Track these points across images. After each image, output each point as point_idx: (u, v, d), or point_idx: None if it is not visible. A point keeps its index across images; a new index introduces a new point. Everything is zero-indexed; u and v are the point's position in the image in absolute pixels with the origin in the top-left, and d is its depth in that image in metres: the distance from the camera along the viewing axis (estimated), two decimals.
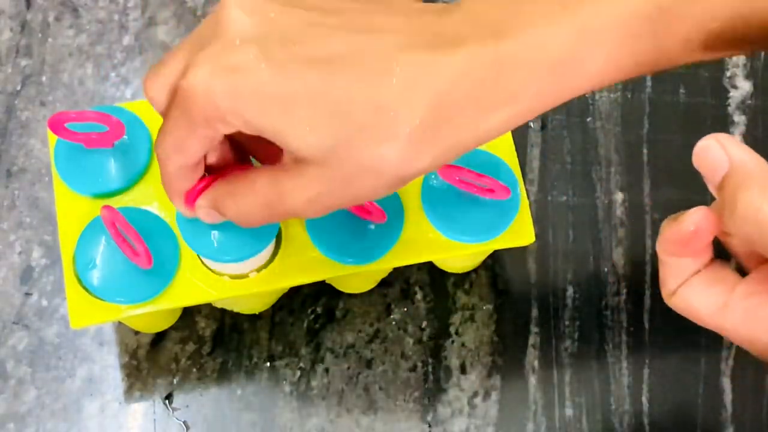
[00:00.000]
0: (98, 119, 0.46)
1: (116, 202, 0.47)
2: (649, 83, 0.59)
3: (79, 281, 0.46)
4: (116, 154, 0.48)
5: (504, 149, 0.49)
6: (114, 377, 0.52)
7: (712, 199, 0.57)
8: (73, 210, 0.47)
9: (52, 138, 0.48)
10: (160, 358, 0.53)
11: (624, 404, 0.53)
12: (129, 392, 0.52)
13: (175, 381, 0.52)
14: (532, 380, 0.53)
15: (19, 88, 0.58)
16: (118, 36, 0.59)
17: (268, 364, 0.53)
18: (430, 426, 0.52)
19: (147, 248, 0.44)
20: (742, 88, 0.59)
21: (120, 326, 0.53)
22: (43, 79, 0.58)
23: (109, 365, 0.52)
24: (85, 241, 0.46)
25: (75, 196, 0.48)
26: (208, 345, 0.53)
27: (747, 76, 0.59)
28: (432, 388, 0.53)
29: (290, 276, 0.47)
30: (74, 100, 0.58)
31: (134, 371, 0.52)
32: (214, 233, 0.46)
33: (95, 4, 0.60)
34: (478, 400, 0.52)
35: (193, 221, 0.45)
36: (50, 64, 0.58)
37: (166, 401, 0.52)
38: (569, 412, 0.52)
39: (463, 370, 0.53)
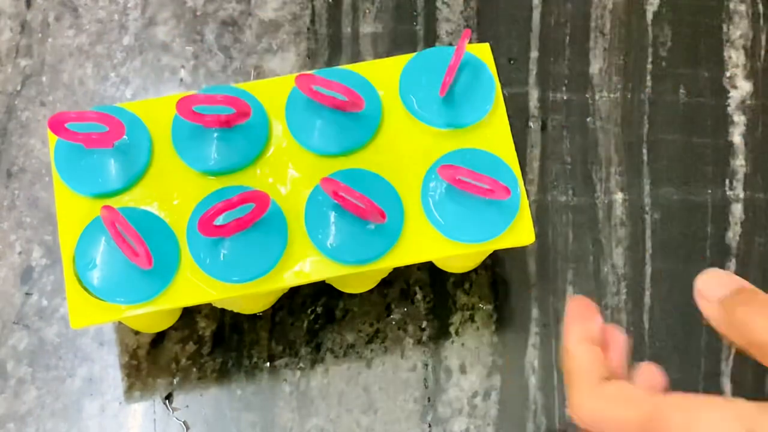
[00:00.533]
0: (98, 119, 0.46)
1: (116, 203, 0.47)
2: (649, 83, 0.59)
3: (79, 281, 0.46)
4: (116, 155, 0.48)
5: (504, 149, 0.49)
6: (114, 377, 0.52)
7: (712, 199, 0.58)
8: (73, 210, 0.47)
9: (52, 138, 0.48)
10: (160, 358, 0.53)
11: None
12: (129, 392, 0.52)
13: (175, 381, 0.52)
14: (532, 380, 0.53)
15: (19, 88, 0.58)
16: (118, 36, 0.59)
17: (268, 364, 0.53)
18: (430, 426, 0.52)
19: (147, 248, 0.44)
20: (742, 88, 0.59)
21: (120, 326, 0.53)
22: (43, 79, 0.58)
23: (109, 365, 0.52)
24: (85, 241, 0.46)
25: (75, 196, 0.48)
26: (208, 345, 0.53)
27: (747, 76, 0.59)
28: (432, 388, 0.53)
29: (290, 277, 0.47)
30: (74, 100, 0.58)
31: (134, 371, 0.52)
32: (223, 252, 0.46)
33: (95, 4, 0.60)
34: (478, 400, 0.52)
35: (201, 238, 0.46)
36: (50, 64, 0.58)
37: (166, 401, 0.52)
38: (569, 412, 0.52)
39: (463, 370, 0.53)
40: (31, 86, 0.58)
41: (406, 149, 0.49)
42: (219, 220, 0.46)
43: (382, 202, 0.47)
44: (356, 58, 0.59)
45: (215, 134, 0.48)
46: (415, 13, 0.60)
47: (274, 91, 0.50)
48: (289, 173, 0.49)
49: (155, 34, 0.59)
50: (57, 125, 0.46)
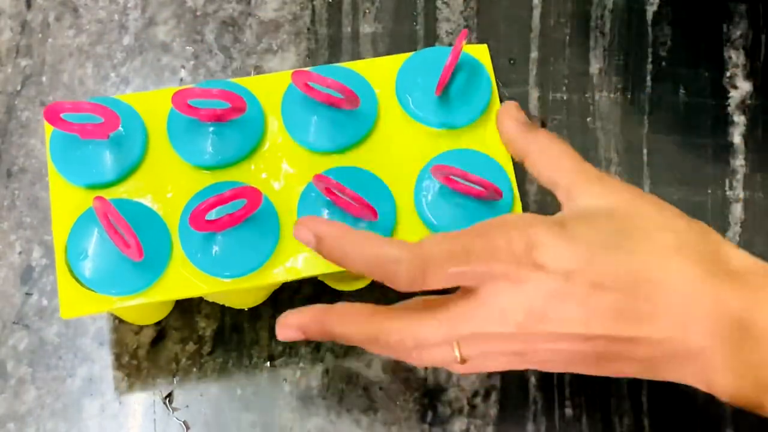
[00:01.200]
0: (93, 110, 0.46)
1: (110, 194, 0.48)
2: (649, 83, 0.59)
3: (71, 272, 0.46)
4: (111, 146, 0.48)
5: (498, 150, 0.49)
6: (114, 377, 0.52)
7: (713, 199, 0.58)
8: (67, 200, 0.48)
9: (48, 128, 0.48)
10: (160, 358, 0.53)
11: (624, 404, 0.53)
12: (129, 392, 0.52)
13: (175, 381, 0.52)
14: (532, 380, 0.53)
15: (19, 88, 0.58)
16: (118, 36, 0.59)
17: (268, 364, 0.53)
18: (430, 426, 0.52)
19: (138, 240, 0.45)
20: (742, 88, 0.59)
21: (120, 326, 0.53)
22: (43, 79, 0.58)
23: (109, 365, 0.52)
24: (77, 231, 0.47)
25: (69, 186, 0.48)
26: (208, 345, 0.53)
27: (747, 76, 0.59)
28: (432, 388, 0.53)
29: (281, 273, 0.47)
30: (74, 100, 0.58)
31: (134, 371, 0.52)
32: (215, 246, 0.46)
33: (95, 4, 0.60)
34: (478, 400, 0.52)
35: (193, 232, 0.46)
36: (50, 64, 0.58)
37: (166, 401, 0.52)
38: (569, 412, 0.52)
39: None
40: (31, 86, 0.58)
41: (401, 148, 0.49)
42: (211, 215, 0.46)
43: (375, 200, 0.47)
44: (356, 58, 0.59)
45: (211, 128, 0.49)
46: (415, 13, 0.60)
47: (270, 86, 0.50)
48: (283, 169, 0.49)
49: (155, 34, 0.59)
50: (53, 115, 0.46)
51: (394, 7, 0.60)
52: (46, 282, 0.54)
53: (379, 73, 0.51)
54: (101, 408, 0.52)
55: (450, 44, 0.59)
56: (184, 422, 0.52)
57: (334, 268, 0.47)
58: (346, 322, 0.44)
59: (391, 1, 0.60)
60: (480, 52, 0.51)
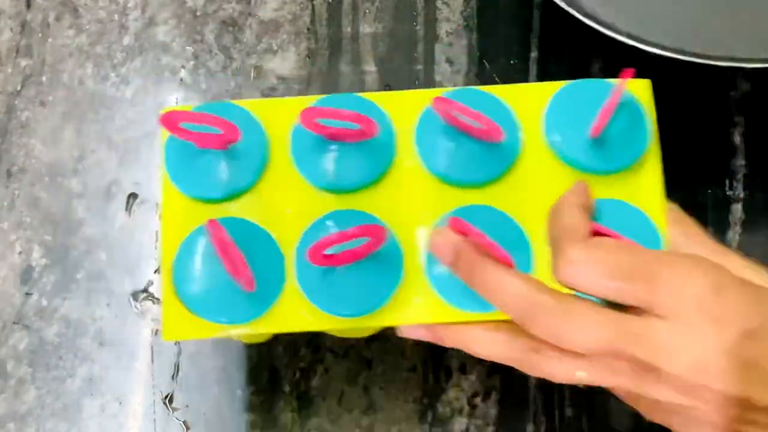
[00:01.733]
0: (212, 122, 0.43)
1: (224, 210, 0.44)
2: None
3: (176, 293, 0.43)
4: (229, 158, 0.44)
5: (651, 203, 0.46)
6: (114, 377, 0.52)
7: (712, 199, 0.58)
8: (178, 213, 0.44)
9: (164, 134, 0.45)
10: (160, 357, 0.53)
11: (624, 404, 0.53)
12: (129, 392, 0.52)
13: (175, 381, 0.52)
14: (532, 380, 0.53)
15: (19, 88, 0.58)
16: (118, 36, 0.59)
17: (269, 363, 0.53)
18: (430, 426, 0.52)
19: (250, 272, 0.41)
20: (742, 88, 0.59)
21: (120, 326, 0.53)
22: (43, 79, 0.58)
23: (109, 365, 0.52)
24: (186, 251, 0.43)
25: (182, 197, 0.44)
26: (209, 344, 0.53)
27: (747, 76, 0.59)
28: (432, 388, 0.53)
29: (402, 316, 0.43)
30: (74, 101, 0.58)
31: (134, 371, 0.52)
32: (331, 281, 0.43)
33: (95, 4, 0.60)
34: (478, 400, 0.52)
35: (310, 266, 0.42)
36: (50, 64, 0.58)
37: (166, 401, 0.52)
38: (569, 412, 0.52)
39: (463, 370, 0.53)
40: (31, 86, 0.58)
41: (543, 190, 0.45)
42: (330, 249, 0.42)
43: (510, 246, 0.42)
44: (356, 58, 0.59)
45: (337, 148, 0.45)
46: (415, 13, 0.60)
47: (405, 105, 0.46)
48: (411, 200, 0.45)
49: (155, 34, 0.59)
50: (170, 123, 0.42)
51: (394, 7, 0.60)
52: (46, 282, 0.54)
53: (526, 101, 0.46)
54: (101, 408, 0.52)
55: (450, 44, 0.59)
56: (184, 422, 0.52)
57: (460, 317, 0.43)
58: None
59: (391, 1, 0.60)
60: (641, 89, 0.46)
